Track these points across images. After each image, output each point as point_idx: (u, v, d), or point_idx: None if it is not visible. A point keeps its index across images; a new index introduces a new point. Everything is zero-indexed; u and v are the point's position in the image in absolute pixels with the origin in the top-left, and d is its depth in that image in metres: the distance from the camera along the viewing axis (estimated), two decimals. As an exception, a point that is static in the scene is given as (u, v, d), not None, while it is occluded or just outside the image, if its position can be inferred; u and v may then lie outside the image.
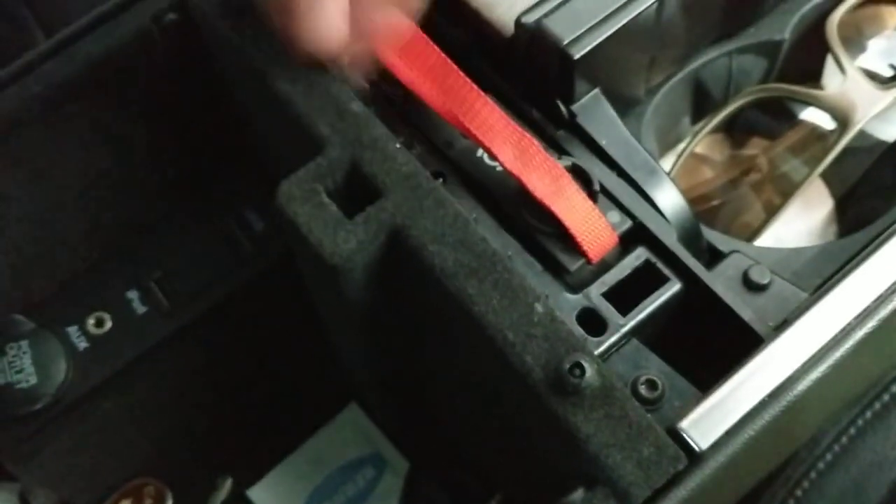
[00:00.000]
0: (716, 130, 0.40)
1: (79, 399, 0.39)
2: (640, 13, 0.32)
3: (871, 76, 0.38)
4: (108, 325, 0.41)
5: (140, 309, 0.41)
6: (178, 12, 0.36)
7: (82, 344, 0.40)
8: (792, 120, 0.42)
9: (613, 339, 0.29)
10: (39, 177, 0.37)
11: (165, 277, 0.41)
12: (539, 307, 0.28)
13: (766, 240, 0.39)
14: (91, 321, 0.41)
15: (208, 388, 0.44)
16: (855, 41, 0.41)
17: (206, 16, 0.34)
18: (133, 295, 0.41)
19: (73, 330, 0.40)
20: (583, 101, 0.33)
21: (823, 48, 0.39)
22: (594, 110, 0.33)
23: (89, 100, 0.36)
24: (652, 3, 0.32)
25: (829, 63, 0.40)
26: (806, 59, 0.40)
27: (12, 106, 0.35)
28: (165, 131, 0.40)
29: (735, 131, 0.42)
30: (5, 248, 0.39)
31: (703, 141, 0.40)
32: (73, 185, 0.39)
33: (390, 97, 0.34)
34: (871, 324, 0.28)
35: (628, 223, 0.31)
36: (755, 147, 0.42)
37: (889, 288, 0.28)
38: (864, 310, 0.28)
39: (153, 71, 0.37)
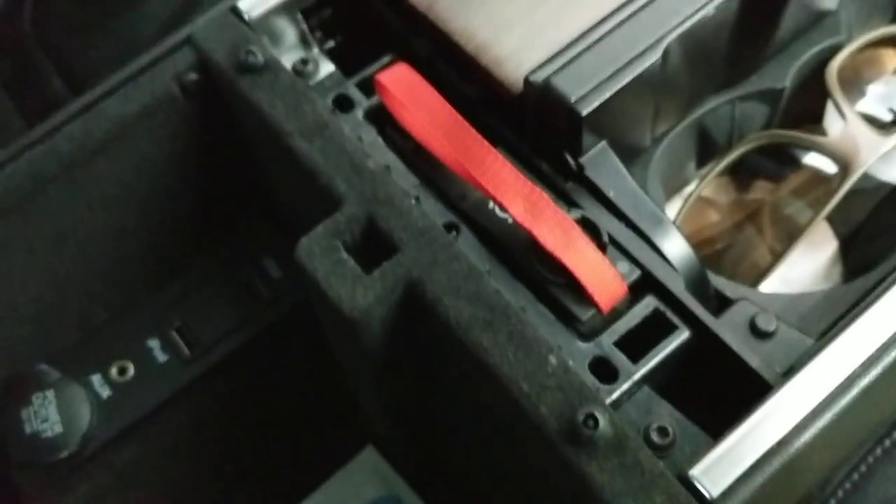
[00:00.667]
0: (721, 174, 0.41)
1: (102, 446, 0.40)
2: (645, 69, 0.33)
3: (871, 121, 0.39)
4: (131, 373, 0.41)
5: (161, 357, 0.42)
6: (199, 72, 0.37)
7: (105, 392, 0.41)
8: (795, 163, 0.42)
9: (625, 386, 0.30)
10: (64, 232, 0.39)
11: (186, 326, 0.42)
12: (552, 359, 0.28)
13: (773, 281, 0.39)
14: (114, 370, 0.41)
15: (228, 433, 0.45)
16: (855, 85, 0.42)
17: (225, 75, 0.36)
18: (154, 343, 0.42)
19: (96, 378, 0.41)
20: (590, 153, 0.34)
21: (824, 94, 0.40)
22: (602, 162, 0.34)
23: (114, 158, 0.37)
24: (657, 59, 0.33)
25: (831, 105, 0.41)
26: (807, 104, 0.41)
27: (40, 164, 0.36)
28: (187, 186, 0.41)
29: (740, 175, 0.42)
30: (30, 299, 0.40)
31: (708, 185, 0.41)
32: (97, 239, 0.40)
33: (402, 151, 0.35)
34: (876, 370, 0.28)
35: (637, 273, 0.32)
36: (760, 190, 0.42)
37: (893, 335, 0.29)
38: (870, 356, 0.28)
39: (176, 129, 0.38)
